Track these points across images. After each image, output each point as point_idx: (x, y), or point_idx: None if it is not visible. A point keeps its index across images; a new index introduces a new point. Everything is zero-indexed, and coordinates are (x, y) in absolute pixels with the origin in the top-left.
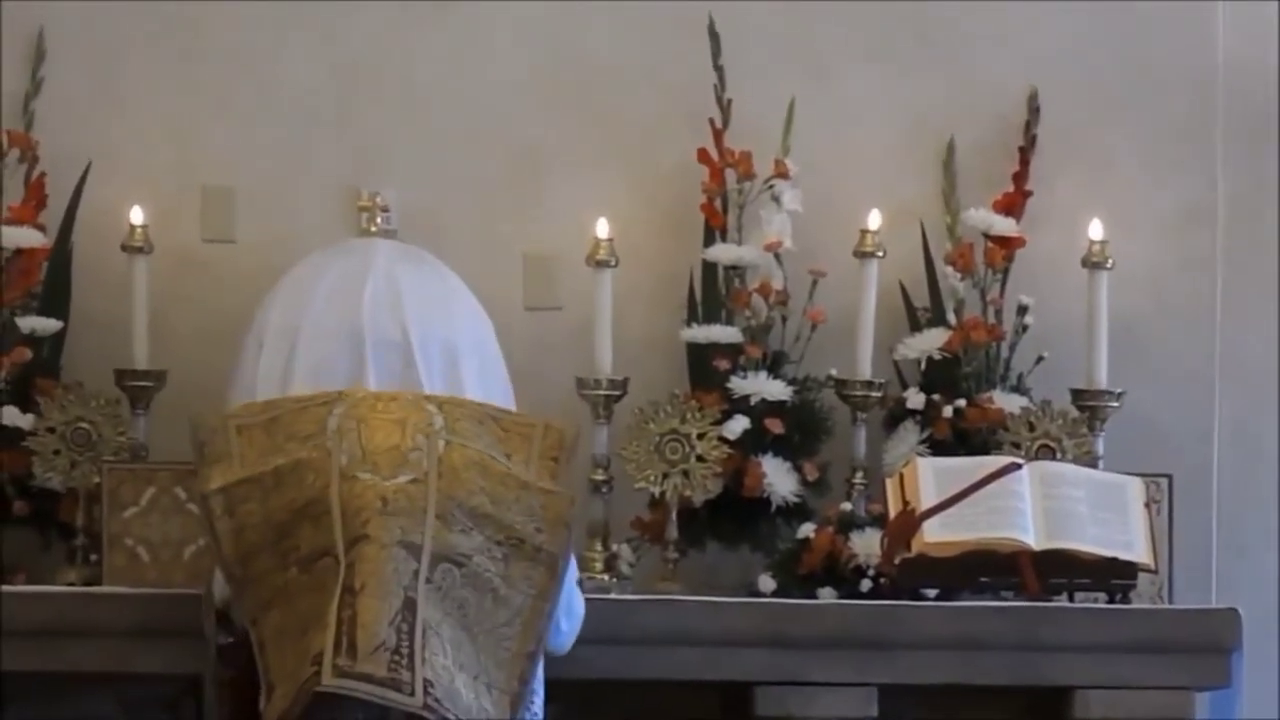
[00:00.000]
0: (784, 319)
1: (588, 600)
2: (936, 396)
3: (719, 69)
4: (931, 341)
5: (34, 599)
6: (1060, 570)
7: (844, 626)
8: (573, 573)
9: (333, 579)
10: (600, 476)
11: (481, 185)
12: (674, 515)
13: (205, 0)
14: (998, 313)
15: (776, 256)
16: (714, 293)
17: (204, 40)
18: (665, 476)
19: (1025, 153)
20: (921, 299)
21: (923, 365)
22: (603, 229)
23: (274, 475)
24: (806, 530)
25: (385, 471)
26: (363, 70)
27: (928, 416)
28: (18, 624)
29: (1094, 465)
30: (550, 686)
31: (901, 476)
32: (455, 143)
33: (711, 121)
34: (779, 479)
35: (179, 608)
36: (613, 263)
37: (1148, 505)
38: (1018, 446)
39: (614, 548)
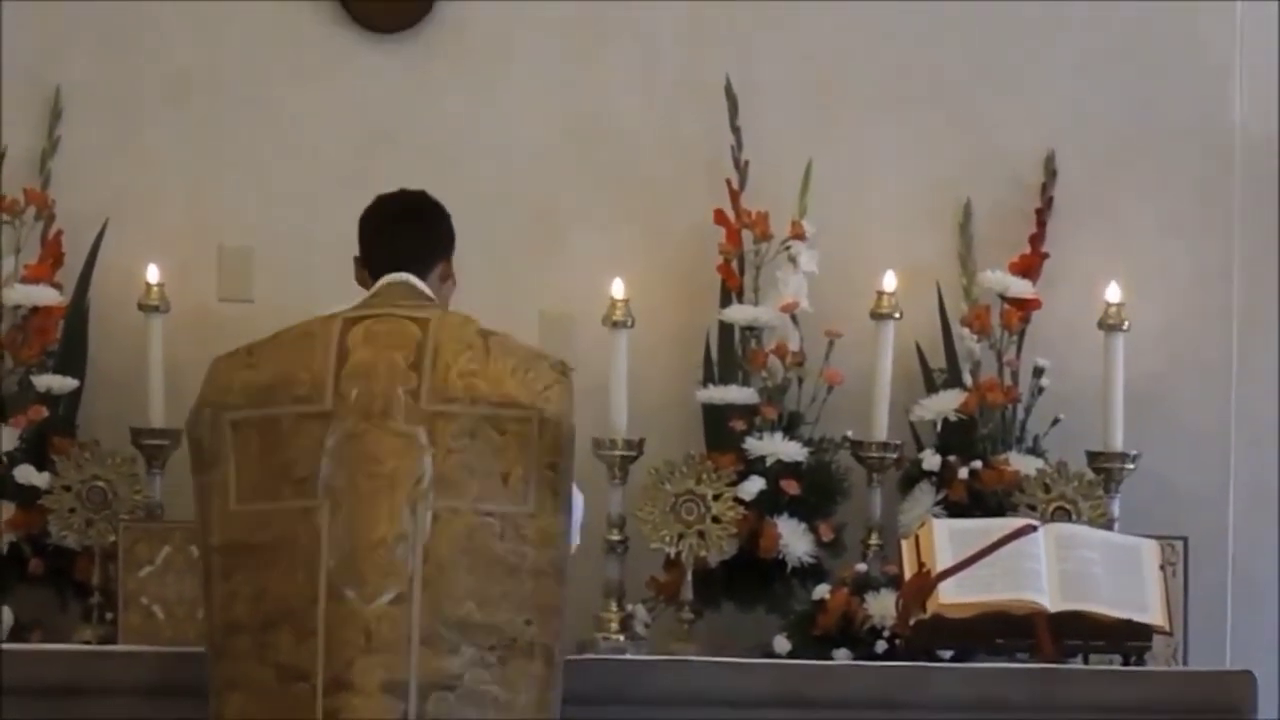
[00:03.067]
0: (800, 380)
1: (602, 662)
2: (952, 458)
3: (736, 130)
4: (947, 403)
5: (50, 657)
6: (1075, 632)
7: (859, 688)
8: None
9: (308, 712)
10: (616, 536)
11: (499, 244)
12: (689, 576)
13: (223, 59)
14: (1014, 374)
15: (793, 317)
16: (730, 353)
17: (222, 99)
18: (681, 537)
19: (1042, 215)
20: (938, 360)
21: (939, 426)
22: (619, 289)
23: (270, 550)
24: (822, 591)
25: (371, 584)
26: (382, 130)
27: (943, 478)
28: (34, 682)
29: (1109, 527)
30: None
31: (917, 538)
32: (473, 202)
33: (729, 182)
34: (794, 540)
35: (194, 666)
36: (629, 323)
37: (1163, 567)
38: (1033, 508)
39: (629, 608)
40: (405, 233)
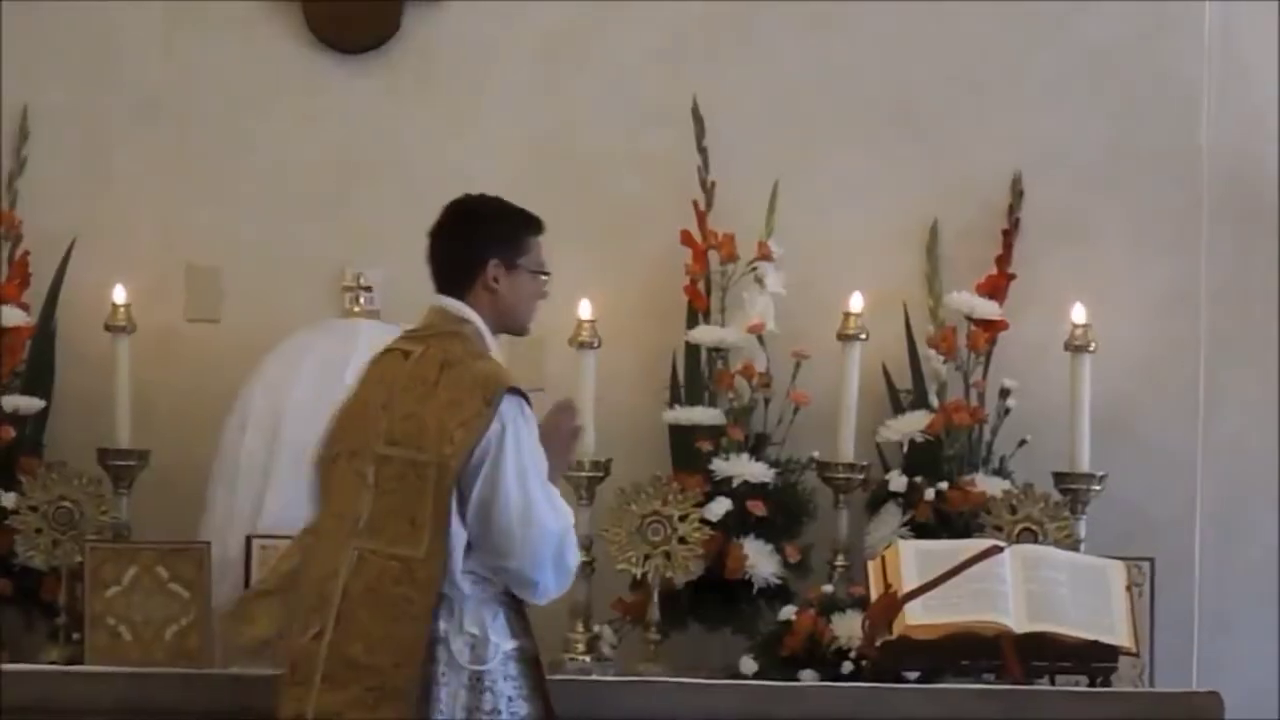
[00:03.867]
0: (767, 401)
1: (568, 682)
2: (919, 479)
3: (703, 151)
4: (914, 424)
5: (16, 678)
6: (1042, 653)
7: (826, 709)
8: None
9: None
10: (583, 557)
11: None
12: (656, 597)
13: (191, 81)
14: (980, 395)
15: (759, 338)
16: (697, 374)
17: (189, 120)
18: (647, 558)
19: (1009, 236)
20: (904, 382)
21: (905, 448)
22: (585, 310)
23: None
24: (788, 612)
25: (304, 619)
26: (351, 152)
27: (910, 499)
28: (0, 702)
29: (1076, 548)
30: None
31: (883, 559)
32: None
33: (695, 204)
34: (761, 561)
35: (160, 686)
36: (596, 344)
37: (1129, 588)
38: (1000, 529)
39: (596, 629)
40: (437, 250)
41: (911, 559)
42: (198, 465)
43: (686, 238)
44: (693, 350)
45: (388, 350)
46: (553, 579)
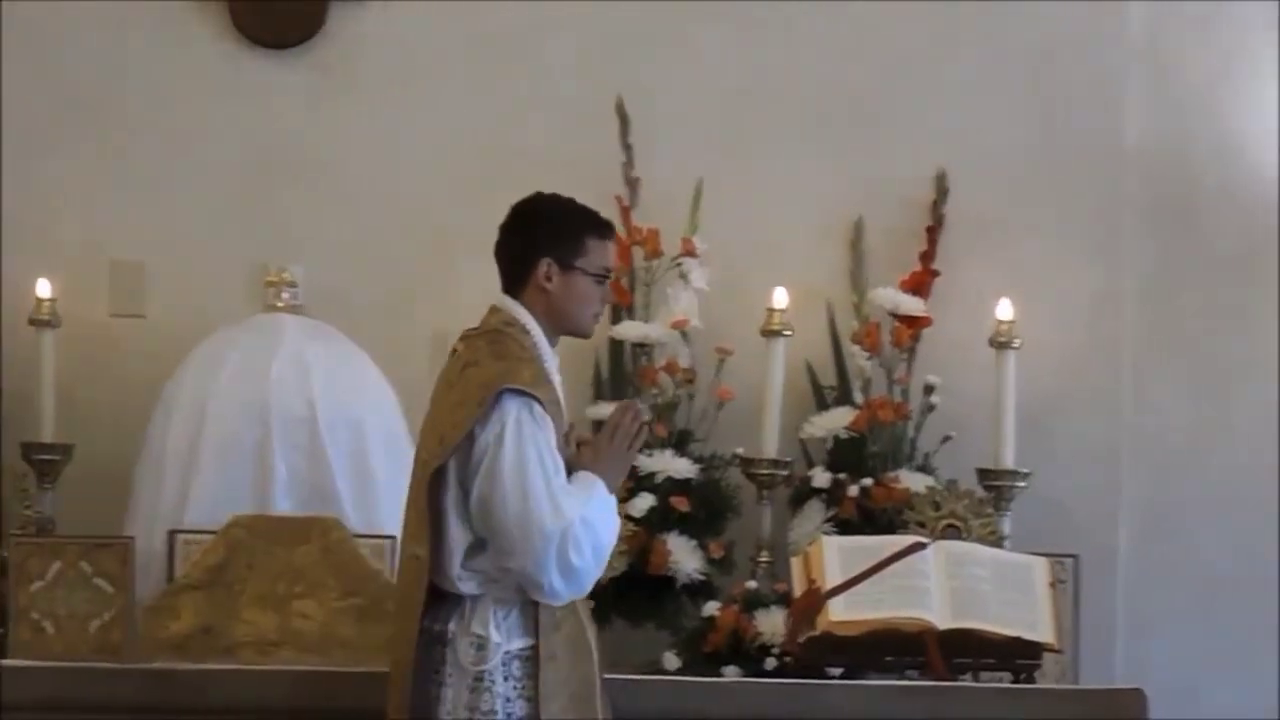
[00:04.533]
0: (690, 397)
1: None
2: (843, 475)
3: (628, 148)
4: (838, 420)
5: None
6: (965, 650)
7: (749, 705)
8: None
9: None
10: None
11: (391, 263)
12: None
13: (116, 76)
14: (904, 392)
15: (683, 334)
16: (621, 370)
17: (114, 115)
18: None
19: (933, 233)
20: (828, 378)
21: (829, 444)
22: None
23: None
24: (712, 608)
25: None
26: (275, 148)
27: (834, 495)
28: None
29: (1000, 545)
30: None
31: (807, 555)
32: (366, 221)
33: (619, 199)
34: (684, 557)
35: (85, 681)
36: None
37: (1053, 585)
38: (923, 526)
39: None
40: (498, 249)
41: (835, 555)
42: (122, 460)
43: None
44: (617, 346)
45: (450, 351)
46: (558, 579)
